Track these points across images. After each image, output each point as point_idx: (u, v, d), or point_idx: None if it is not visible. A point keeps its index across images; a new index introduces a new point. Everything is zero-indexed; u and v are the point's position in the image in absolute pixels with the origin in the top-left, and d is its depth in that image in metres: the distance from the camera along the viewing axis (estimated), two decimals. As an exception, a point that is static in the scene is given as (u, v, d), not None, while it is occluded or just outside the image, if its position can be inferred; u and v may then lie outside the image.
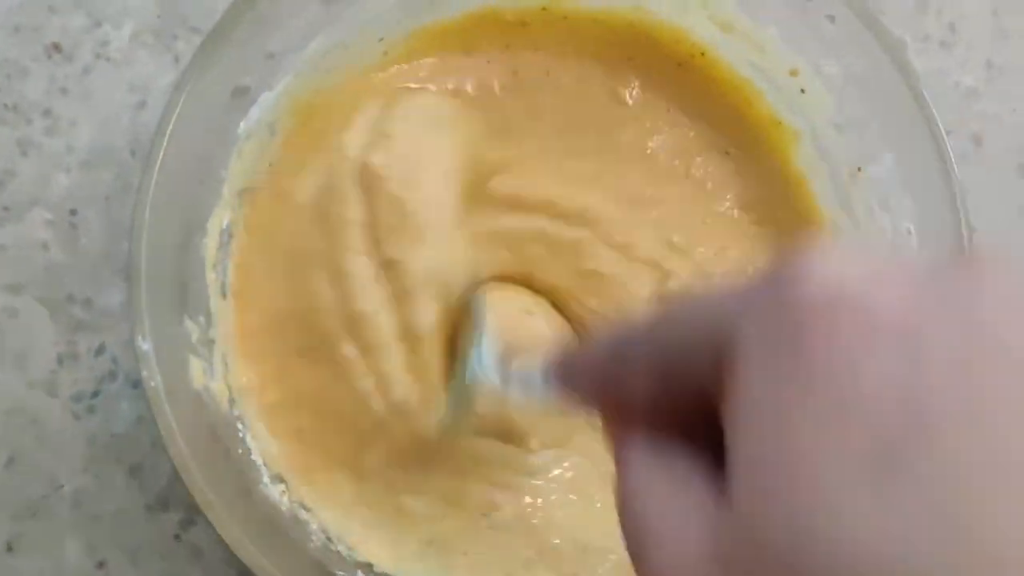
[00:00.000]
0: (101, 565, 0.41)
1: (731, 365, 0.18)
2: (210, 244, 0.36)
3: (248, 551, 0.31)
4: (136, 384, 0.42)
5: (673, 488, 0.20)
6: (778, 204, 0.40)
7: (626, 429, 0.22)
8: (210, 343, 0.36)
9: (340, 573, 0.35)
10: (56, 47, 0.45)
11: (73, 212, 0.43)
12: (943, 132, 0.35)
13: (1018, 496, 0.15)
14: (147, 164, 0.33)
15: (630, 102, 0.42)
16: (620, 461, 0.22)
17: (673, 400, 0.21)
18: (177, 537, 0.41)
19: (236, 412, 0.36)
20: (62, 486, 0.42)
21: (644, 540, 0.20)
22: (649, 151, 0.41)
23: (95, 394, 0.42)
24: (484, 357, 0.32)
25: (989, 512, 0.15)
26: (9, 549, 0.41)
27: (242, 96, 0.37)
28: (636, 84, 0.42)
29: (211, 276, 0.36)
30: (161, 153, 0.33)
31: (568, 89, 0.41)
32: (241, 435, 0.36)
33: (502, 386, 0.31)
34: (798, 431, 0.16)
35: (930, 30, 0.48)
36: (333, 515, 0.38)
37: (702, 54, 0.41)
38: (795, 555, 0.16)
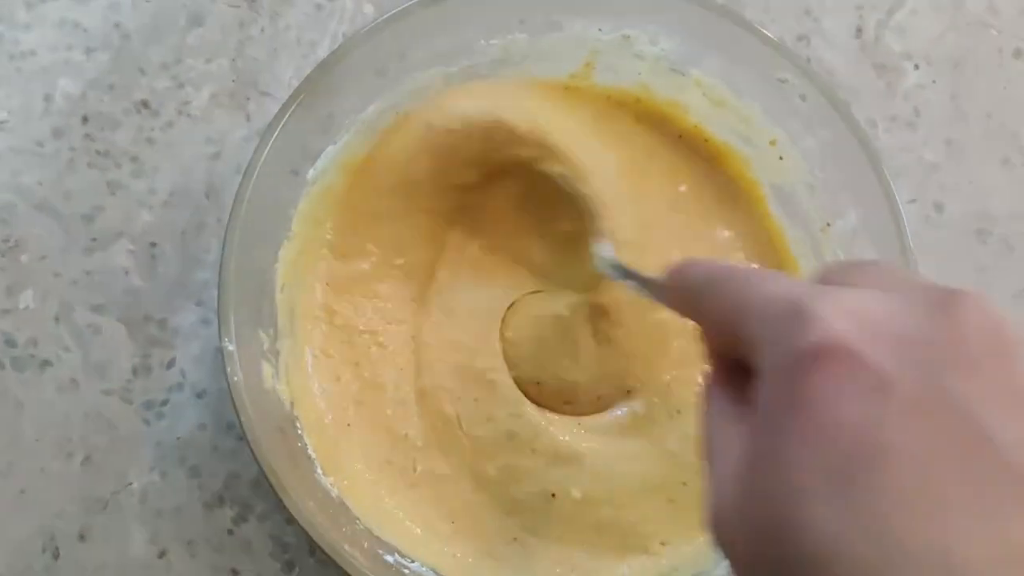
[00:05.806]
0: (163, 555, 0.46)
1: (758, 367, 0.24)
2: (280, 270, 0.43)
3: (306, 520, 0.36)
4: (200, 395, 0.48)
5: (736, 415, 0.26)
6: (759, 249, 0.47)
7: (713, 356, 0.28)
8: (277, 353, 0.42)
9: (380, 551, 0.40)
10: (144, 104, 0.52)
11: (153, 244, 0.50)
12: (895, 191, 0.41)
13: (934, 515, 0.20)
14: (236, 200, 0.40)
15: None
16: (705, 384, 0.28)
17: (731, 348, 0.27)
18: (230, 532, 0.47)
19: (296, 412, 0.42)
20: (131, 483, 0.47)
21: (710, 451, 0.26)
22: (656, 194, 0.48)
23: (164, 402, 0.48)
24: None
25: (911, 526, 0.20)
26: (81, 538, 0.46)
27: (310, 149, 0.44)
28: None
29: (280, 297, 0.42)
30: (248, 193, 0.40)
31: None
32: (299, 431, 0.41)
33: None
34: (788, 440, 0.22)
35: (897, 112, 0.55)
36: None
37: (696, 126, 0.47)
38: (774, 530, 0.22)
